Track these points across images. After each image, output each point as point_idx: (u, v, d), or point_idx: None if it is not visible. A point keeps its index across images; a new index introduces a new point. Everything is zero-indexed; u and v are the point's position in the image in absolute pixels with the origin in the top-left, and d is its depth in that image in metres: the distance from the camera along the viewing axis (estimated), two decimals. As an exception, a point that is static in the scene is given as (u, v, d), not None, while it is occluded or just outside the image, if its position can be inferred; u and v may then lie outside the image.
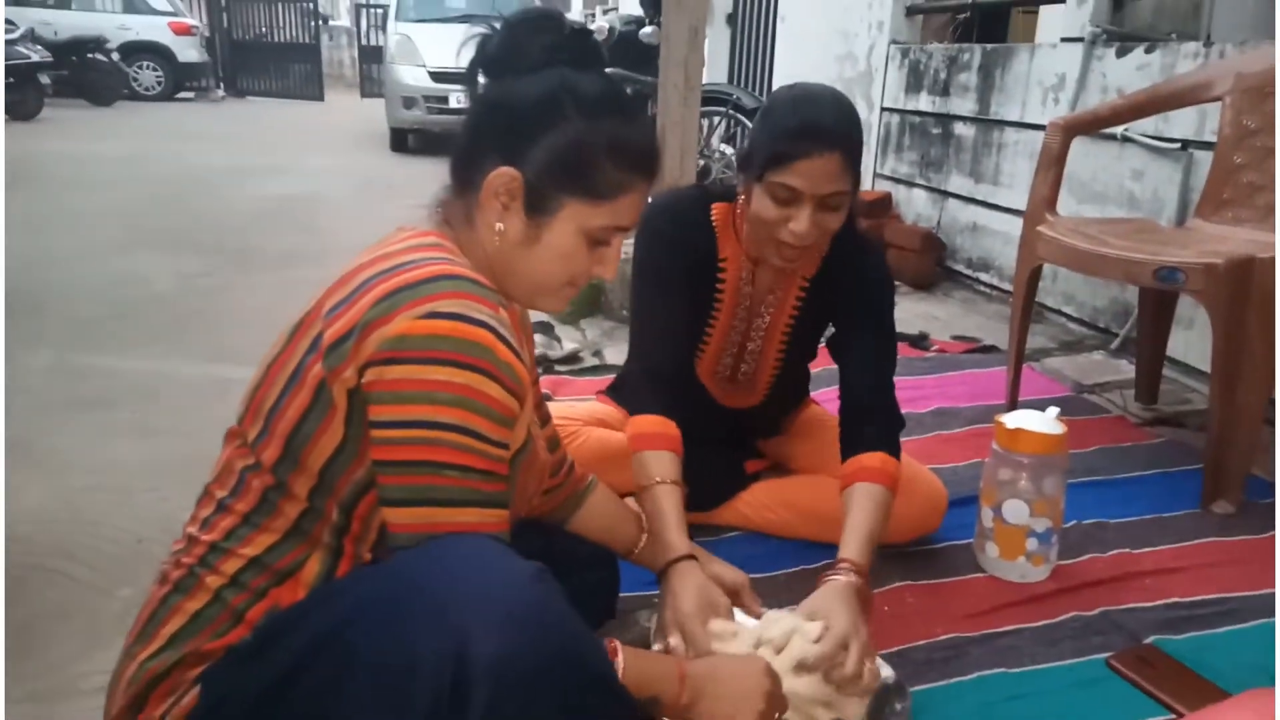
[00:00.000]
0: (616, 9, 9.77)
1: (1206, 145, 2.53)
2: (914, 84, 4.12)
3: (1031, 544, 1.57)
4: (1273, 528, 1.79)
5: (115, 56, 11.77)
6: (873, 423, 1.45)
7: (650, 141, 0.98)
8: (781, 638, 1.14)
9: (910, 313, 3.38)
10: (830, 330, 1.60)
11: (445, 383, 0.81)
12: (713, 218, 1.55)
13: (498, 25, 0.97)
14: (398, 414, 0.82)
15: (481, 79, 0.98)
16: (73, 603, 1.52)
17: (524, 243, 0.96)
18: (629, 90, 4.68)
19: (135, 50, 12.65)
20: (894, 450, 1.43)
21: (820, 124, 1.31)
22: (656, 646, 1.20)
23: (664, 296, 1.50)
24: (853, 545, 1.30)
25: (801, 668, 1.11)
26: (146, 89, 12.94)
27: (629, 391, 1.52)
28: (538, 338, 2.83)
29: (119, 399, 2.42)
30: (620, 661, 0.90)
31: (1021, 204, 3.25)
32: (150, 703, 0.87)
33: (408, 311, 0.82)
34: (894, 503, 1.40)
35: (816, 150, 1.30)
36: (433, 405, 0.81)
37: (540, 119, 0.93)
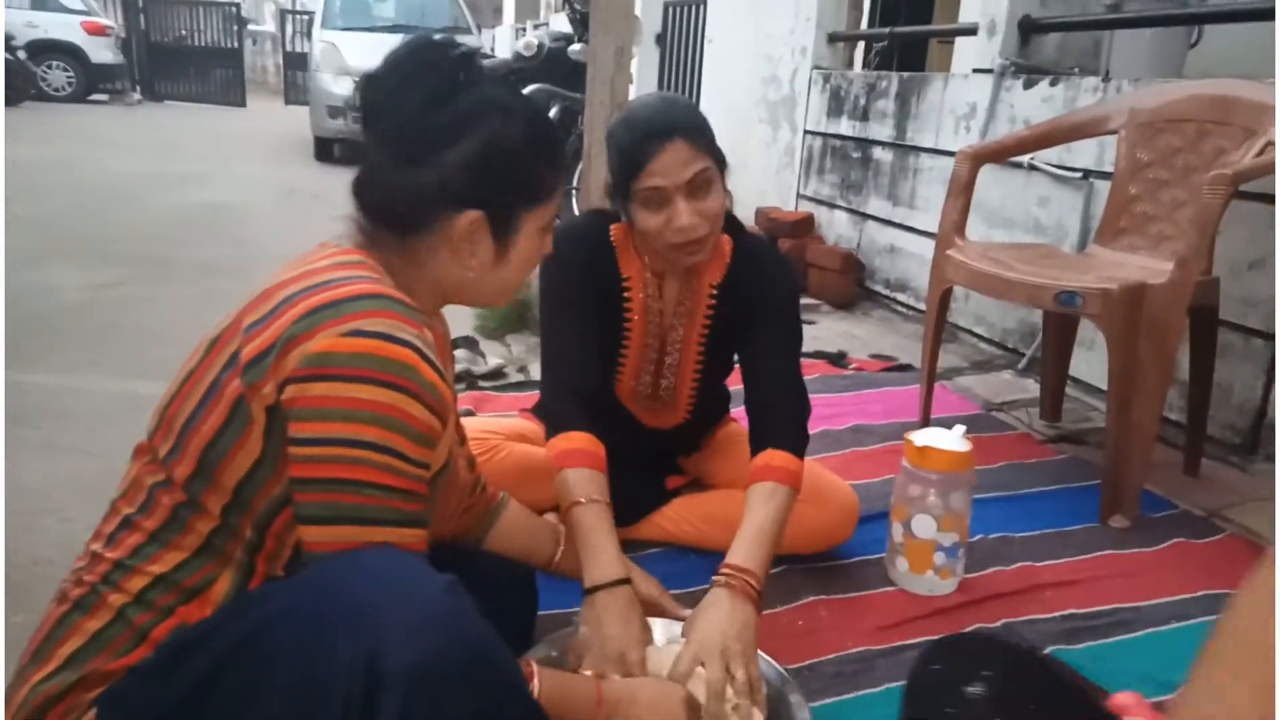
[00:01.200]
0: (548, 24, 9.79)
1: (1106, 175, 2.67)
2: (835, 108, 4.23)
3: (939, 558, 1.62)
4: (1165, 540, 1.89)
5: (22, 55, 11.31)
6: (777, 413, 1.47)
7: (558, 132, 1.09)
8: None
9: (830, 331, 3.46)
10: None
11: (368, 401, 0.82)
12: (612, 238, 1.57)
13: (387, 64, 0.96)
14: (319, 431, 0.82)
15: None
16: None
17: (494, 265, 1.01)
18: (555, 107, 4.70)
19: (44, 49, 12.17)
20: (797, 444, 1.44)
21: (651, 124, 1.36)
22: (584, 668, 1.19)
23: (568, 318, 1.51)
24: (739, 550, 1.32)
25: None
26: (56, 89, 12.44)
27: (546, 411, 1.52)
28: (462, 353, 2.82)
29: (26, 415, 2.33)
30: (536, 682, 0.91)
31: (935, 227, 3.38)
32: None
33: (331, 329, 0.82)
34: (800, 504, 1.43)
35: (657, 145, 1.34)
36: (355, 423, 0.81)
37: (464, 155, 0.94)
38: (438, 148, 0.94)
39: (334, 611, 0.76)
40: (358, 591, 0.77)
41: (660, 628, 1.31)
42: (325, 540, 0.84)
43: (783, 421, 1.47)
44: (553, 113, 4.79)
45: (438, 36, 0.98)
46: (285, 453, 0.84)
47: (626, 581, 1.25)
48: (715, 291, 1.59)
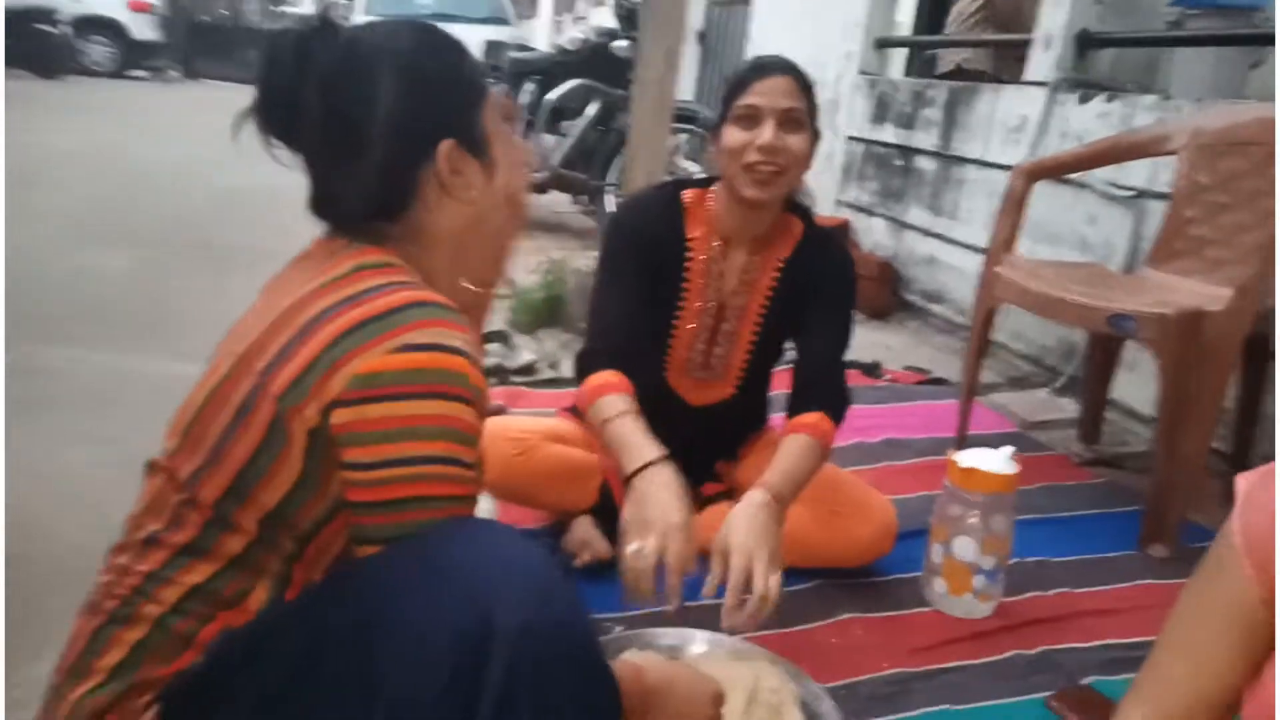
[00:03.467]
0: (588, 19, 9.77)
1: (1158, 195, 2.61)
2: (879, 115, 4.19)
3: (978, 581, 1.59)
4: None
5: (65, 29, 11.44)
6: (816, 390, 1.54)
7: (427, 27, 0.98)
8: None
9: (864, 341, 3.41)
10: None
11: (428, 416, 0.80)
12: (684, 200, 1.62)
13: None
14: (381, 454, 0.80)
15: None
16: (5, 614, 1.46)
17: (489, 181, 0.95)
18: (594, 102, 4.68)
19: (87, 24, 12.31)
20: (833, 411, 1.51)
21: (768, 59, 1.52)
22: (631, 547, 1.23)
23: (615, 287, 1.57)
24: (771, 477, 1.38)
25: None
26: (96, 64, 12.58)
27: (578, 365, 1.53)
28: (495, 346, 2.81)
29: (69, 399, 2.34)
30: None
31: (978, 240, 3.34)
32: None
33: (379, 346, 0.80)
34: (840, 517, 1.56)
35: (769, 74, 1.48)
36: (417, 441, 0.80)
37: (386, 95, 0.88)
38: (362, 126, 0.88)
39: (446, 574, 0.77)
40: (469, 556, 0.79)
41: (702, 637, 1.29)
42: None
43: (820, 392, 1.54)
44: (591, 110, 4.77)
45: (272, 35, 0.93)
46: (330, 474, 0.82)
47: (666, 458, 1.31)
48: (781, 266, 1.62)
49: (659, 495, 1.27)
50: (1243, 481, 0.72)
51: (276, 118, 0.91)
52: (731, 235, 1.60)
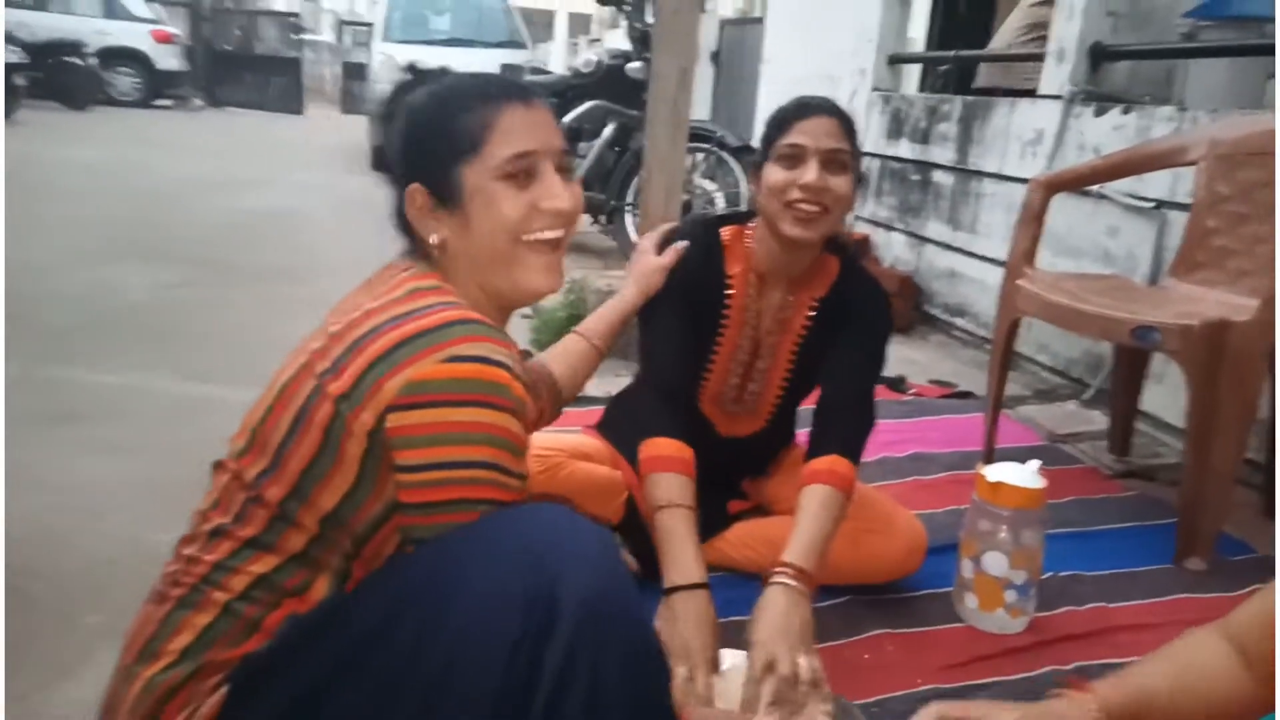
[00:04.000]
0: (602, 40, 9.86)
1: (1180, 206, 2.60)
2: (895, 131, 4.20)
3: (1010, 596, 1.58)
4: (1244, 586, 1.82)
5: (93, 61, 11.66)
6: (838, 426, 1.51)
7: (480, 76, 1.02)
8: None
9: (888, 356, 3.41)
10: None
11: (473, 423, 0.85)
12: (723, 237, 1.62)
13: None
14: (430, 457, 0.85)
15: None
16: (36, 629, 1.47)
17: (464, 233, 0.97)
18: (610, 124, 4.71)
19: (113, 56, 12.55)
20: (851, 451, 1.48)
21: (815, 100, 1.49)
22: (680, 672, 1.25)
23: (674, 318, 1.57)
24: (795, 548, 1.36)
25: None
26: (123, 95, 12.81)
27: (637, 414, 1.56)
28: (518, 367, 2.83)
29: (89, 415, 2.38)
30: None
31: (997, 253, 3.33)
32: (164, 717, 0.87)
33: (429, 356, 0.85)
34: (868, 534, 1.53)
35: (811, 112, 1.46)
36: (464, 445, 0.85)
37: (396, 136, 1.00)
38: (387, 160, 1.03)
39: (512, 552, 0.81)
40: (535, 533, 0.83)
41: (729, 656, 1.29)
42: None
43: (843, 429, 1.51)
44: (608, 131, 4.80)
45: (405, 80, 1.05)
46: (385, 476, 0.87)
47: (705, 586, 1.32)
48: (816, 305, 1.61)
49: (689, 627, 1.28)
50: None
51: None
52: (769, 273, 1.58)
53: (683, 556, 1.34)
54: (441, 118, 0.97)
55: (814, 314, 1.61)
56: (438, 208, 0.98)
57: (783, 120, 1.47)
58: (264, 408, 0.93)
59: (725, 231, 1.62)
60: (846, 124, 1.47)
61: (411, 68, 1.08)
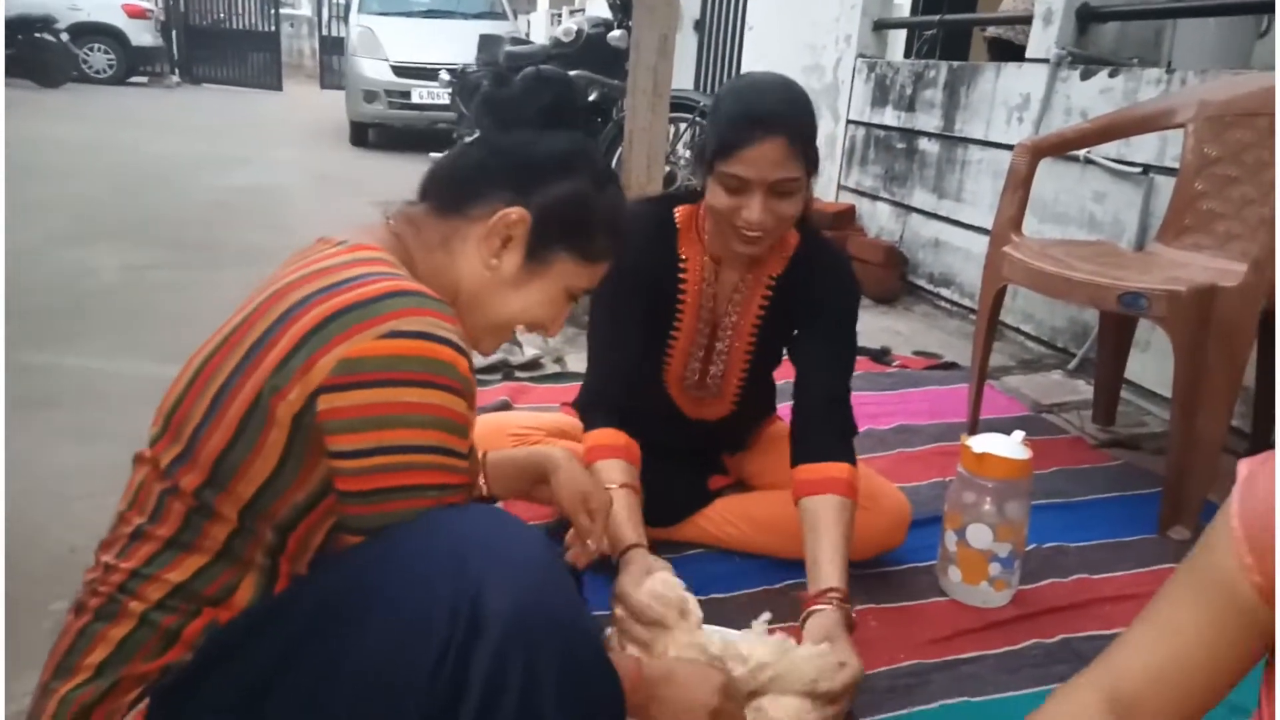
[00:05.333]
0: (584, 10, 9.73)
1: (1167, 170, 2.57)
2: (880, 98, 4.14)
3: (994, 569, 1.56)
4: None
5: (64, 37, 11.44)
6: (829, 428, 1.48)
7: (627, 222, 1.05)
8: (771, 656, 1.14)
9: (872, 326, 3.38)
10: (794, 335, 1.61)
11: (415, 404, 0.79)
12: (675, 218, 1.56)
13: (507, 71, 1.02)
14: (367, 441, 0.79)
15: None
16: (8, 620, 1.44)
17: (513, 283, 0.98)
18: (594, 93, 4.66)
19: (86, 32, 12.30)
20: (852, 459, 1.46)
21: (764, 111, 1.32)
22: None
23: (615, 320, 1.54)
24: (835, 573, 1.33)
25: (819, 696, 1.14)
26: (97, 72, 12.58)
27: (580, 410, 1.56)
28: (499, 343, 2.79)
29: (59, 398, 2.33)
30: None
31: (984, 221, 3.29)
32: None
33: (365, 331, 0.79)
34: (857, 516, 1.43)
35: (760, 137, 1.30)
36: (405, 428, 0.79)
37: (557, 173, 0.97)
38: (535, 151, 0.98)
39: (436, 557, 0.76)
40: (460, 539, 0.78)
41: (718, 634, 1.27)
42: None
43: (835, 435, 1.48)
44: (591, 98, 4.73)
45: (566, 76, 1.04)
46: (312, 462, 0.82)
47: (640, 545, 1.34)
48: (773, 283, 1.56)
49: (628, 579, 1.29)
50: (1244, 466, 0.69)
51: (508, 109, 1.01)
52: (723, 255, 1.53)
53: (623, 528, 1.35)
54: (602, 219, 1.00)
55: (771, 292, 1.56)
56: (521, 245, 0.96)
57: (727, 142, 1.33)
58: (180, 389, 0.87)
59: (679, 212, 1.55)
60: (799, 139, 1.33)
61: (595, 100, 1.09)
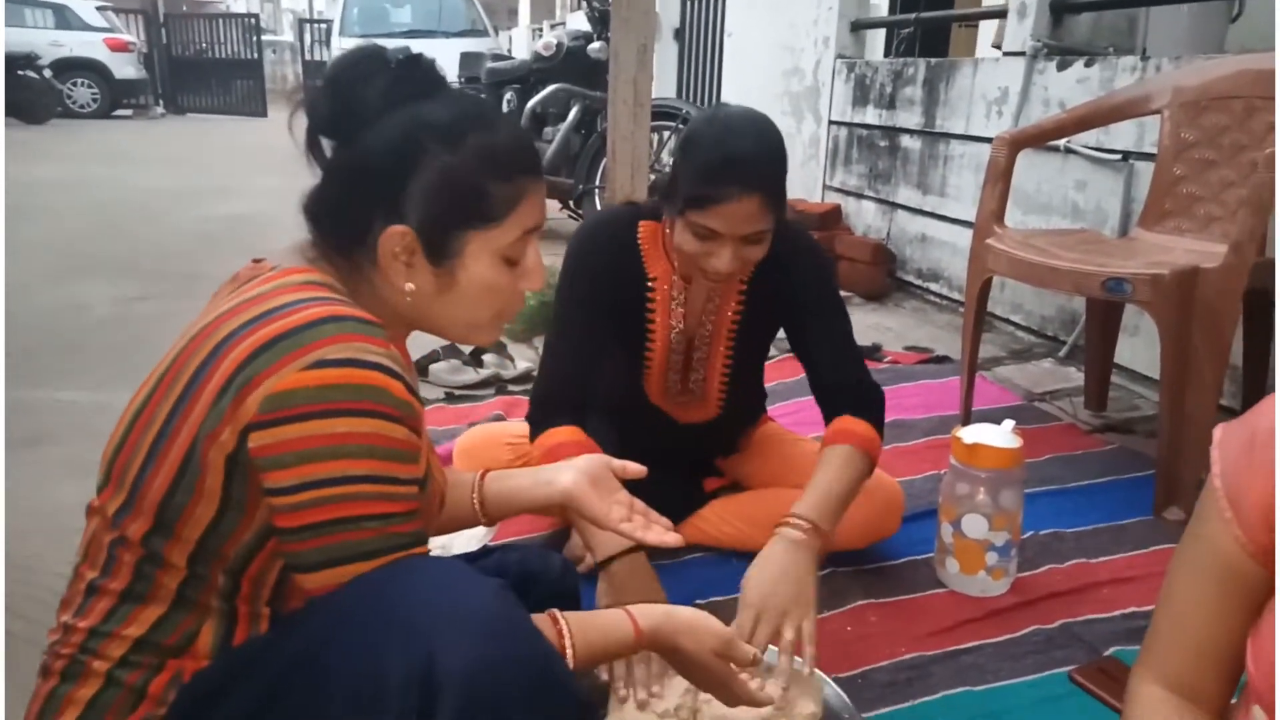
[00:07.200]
0: (564, 24, 9.76)
1: (1147, 156, 2.59)
2: (860, 98, 4.16)
3: (991, 558, 1.57)
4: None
5: (48, 73, 11.47)
6: (850, 395, 1.48)
7: (520, 140, 0.92)
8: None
9: (862, 324, 3.40)
10: (781, 334, 1.60)
11: (348, 434, 0.76)
12: (639, 237, 1.53)
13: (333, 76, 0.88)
14: (303, 476, 0.76)
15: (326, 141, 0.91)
16: (10, 658, 1.44)
17: (439, 291, 0.90)
18: (575, 106, 4.65)
19: (69, 67, 12.33)
20: (874, 418, 1.45)
21: (741, 164, 1.28)
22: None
23: (571, 326, 1.51)
24: (807, 500, 1.32)
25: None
26: (81, 106, 12.61)
27: (529, 418, 1.50)
28: (490, 357, 2.79)
29: (57, 434, 2.33)
30: (569, 646, 0.88)
31: (968, 215, 3.31)
32: None
33: (292, 363, 0.76)
34: (850, 508, 1.39)
35: (736, 194, 1.28)
36: (340, 460, 0.76)
37: (403, 166, 0.86)
38: (377, 156, 0.87)
39: (386, 621, 0.75)
40: (409, 599, 0.76)
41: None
42: (331, 583, 0.79)
43: (858, 399, 1.48)
44: (572, 114, 4.75)
45: (377, 46, 0.90)
46: (255, 500, 0.79)
47: (638, 549, 1.29)
48: (745, 289, 1.56)
49: (634, 590, 1.29)
50: (1219, 431, 0.73)
51: (338, 112, 0.89)
52: (691, 272, 1.50)
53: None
54: (481, 173, 0.87)
55: (743, 300, 1.56)
56: (421, 257, 0.87)
57: (702, 195, 1.29)
58: (119, 435, 0.84)
59: (643, 229, 1.53)
60: (773, 189, 1.31)
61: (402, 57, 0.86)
